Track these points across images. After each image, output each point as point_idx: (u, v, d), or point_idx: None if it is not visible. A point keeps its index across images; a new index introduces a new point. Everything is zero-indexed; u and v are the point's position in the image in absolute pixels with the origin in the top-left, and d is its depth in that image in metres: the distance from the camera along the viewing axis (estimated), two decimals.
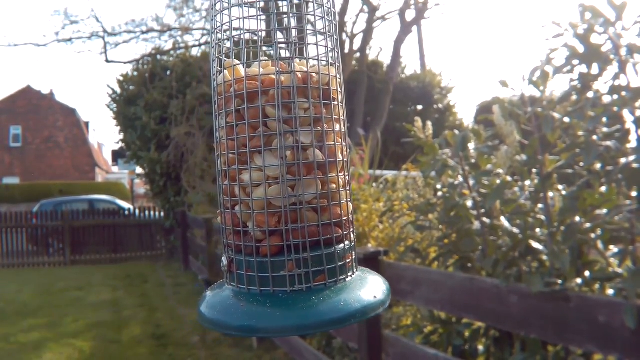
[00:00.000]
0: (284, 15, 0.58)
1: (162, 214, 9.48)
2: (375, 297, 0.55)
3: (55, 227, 9.47)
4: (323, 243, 0.55)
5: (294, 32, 0.58)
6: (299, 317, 0.51)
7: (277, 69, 0.56)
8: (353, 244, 0.60)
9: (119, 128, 9.69)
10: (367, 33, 13.29)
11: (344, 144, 0.60)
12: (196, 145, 8.09)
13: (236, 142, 0.57)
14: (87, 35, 14.92)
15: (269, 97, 0.56)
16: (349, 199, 0.60)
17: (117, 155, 15.26)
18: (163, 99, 8.70)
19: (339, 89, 0.60)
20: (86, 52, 41.16)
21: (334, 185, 0.58)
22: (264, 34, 0.59)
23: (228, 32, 0.58)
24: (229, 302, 0.55)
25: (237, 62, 0.59)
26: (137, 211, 10.22)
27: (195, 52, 11.68)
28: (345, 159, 0.60)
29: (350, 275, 0.58)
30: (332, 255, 0.56)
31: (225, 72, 0.59)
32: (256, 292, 0.55)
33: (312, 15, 0.60)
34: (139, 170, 10.19)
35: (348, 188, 0.60)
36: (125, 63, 19.08)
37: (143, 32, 14.92)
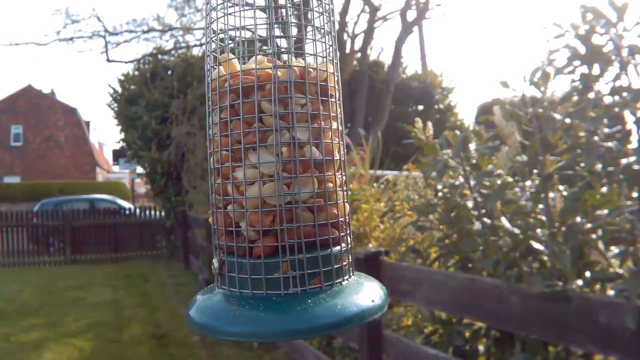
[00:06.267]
0: (282, 11, 0.57)
1: (163, 213, 9.47)
2: (373, 301, 0.53)
3: (56, 226, 9.46)
4: (319, 244, 0.54)
5: (291, 28, 0.57)
6: (294, 321, 0.48)
7: (274, 62, 0.54)
8: (349, 246, 0.58)
9: (119, 127, 9.69)
10: (368, 33, 13.31)
11: (341, 142, 0.59)
12: (197, 145, 8.08)
13: (230, 139, 0.55)
14: (88, 34, 14.99)
15: (265, 92, 0.54)
16: (345, 200, 0.58)
17: (117, 155, 15.29)
18: (164, 98, 8.70)
19: (336, 87, 0.59)
20: (87, 51, 40.95)
21: (331, 185, 0.56)
22: (260, 29, 0.58)
23: (223, 28, 0.57)
24: (219, 305, 0.53)
25: (232, 56, 0.57)
26: (138, 211, 10.21)
27: (196, 51, 11.72)
28: (342, 158, 0.59)
29: (347, 279, 0.56)
30: (328, 257, 0.54)
31: (220, 67, 0.57)
32: (248, 295, 0.53)
33: (310, 10, 0.59)
34: (139, 169, 10.19)
35: (345, 188, 0.59)
36: (126, 62, 19.11)
37: (144, 32, 14.97)
